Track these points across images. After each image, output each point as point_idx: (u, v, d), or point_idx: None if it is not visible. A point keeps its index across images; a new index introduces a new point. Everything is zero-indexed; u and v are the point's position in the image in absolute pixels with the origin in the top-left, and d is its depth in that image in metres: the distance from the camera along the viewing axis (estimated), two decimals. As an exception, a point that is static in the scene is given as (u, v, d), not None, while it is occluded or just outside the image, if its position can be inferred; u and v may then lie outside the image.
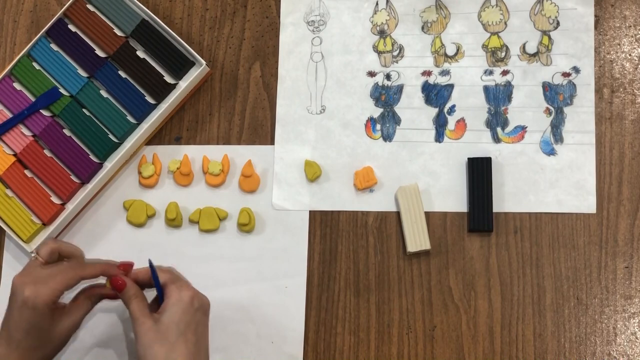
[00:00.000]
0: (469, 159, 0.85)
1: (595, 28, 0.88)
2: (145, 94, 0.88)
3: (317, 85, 0.90)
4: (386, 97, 0.89)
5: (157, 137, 0.91)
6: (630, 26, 0.88)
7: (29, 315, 0.73)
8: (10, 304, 0.74)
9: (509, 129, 0.86)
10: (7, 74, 0.90)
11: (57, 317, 0.76)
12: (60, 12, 0.90)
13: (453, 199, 0.86)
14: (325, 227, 0.87)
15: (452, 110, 0.88)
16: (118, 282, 0.77)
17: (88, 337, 0.86)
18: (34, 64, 0.90)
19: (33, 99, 0.89)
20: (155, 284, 0.77)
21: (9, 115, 0.89)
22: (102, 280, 0.79)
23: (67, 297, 0.78)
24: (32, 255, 0.79)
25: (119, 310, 0.86)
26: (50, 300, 0.73)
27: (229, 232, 0.88)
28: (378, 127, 0.88)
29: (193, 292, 0.75)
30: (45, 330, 0.75)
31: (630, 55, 0.87)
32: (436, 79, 0.88)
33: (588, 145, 0.85)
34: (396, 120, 0.88)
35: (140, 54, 0.89)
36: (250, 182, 0.88)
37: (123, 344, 0.86)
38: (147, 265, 0.78)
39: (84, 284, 0.79)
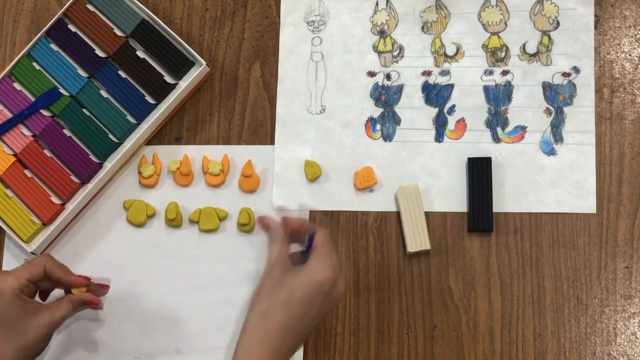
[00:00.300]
0: (469, 159, 0.85)
1: (595, 28, 0.88)
2: (145, 94, 0.88)
3: (317, 85, 0.90)
4: (386, 97, 0.89)
5: (157, 137, 0.91)
6: (630, 26, 0.88)
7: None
8: None
9: (509, 129, 0.86)
10: (7, 74, 0.90)
11: (31, 311, 0.76)
12: (60, 12, 0.90)
13: (453, 199, 0.86)
14: (325, 227, 0.86)
15: (452, 110, 0.88)
16: (264, 222, 0.76)
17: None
18: (34, 64, 0.90)
19: (33, 99, 0.89)
20: (307, 246, 0.75)
21: (9, 115, 0.89)
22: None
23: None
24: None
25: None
26: (15, 286, 0.74)
27: (229, 232, 0.88)
28: (378, 127, 0.88)
29: (329, 276, 0.70)
30: (15, 321, 0.75)
31: (630, 55, 0.87)
32: (436, 79, 0.88)
33: (588, 145, 0.85)
34: (396, 120, 0.88)
35: (140, 54, 0.89)
36: (250, 182, 0.88)
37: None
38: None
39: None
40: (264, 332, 0.70)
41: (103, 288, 0.85)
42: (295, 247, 0.77)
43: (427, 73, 0.89)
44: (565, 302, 0.82)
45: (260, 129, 0.90)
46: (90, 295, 0.81)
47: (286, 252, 0.74)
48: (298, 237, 0.76)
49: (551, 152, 0.86)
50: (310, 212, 0.87)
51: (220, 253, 0.87)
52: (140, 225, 0.88)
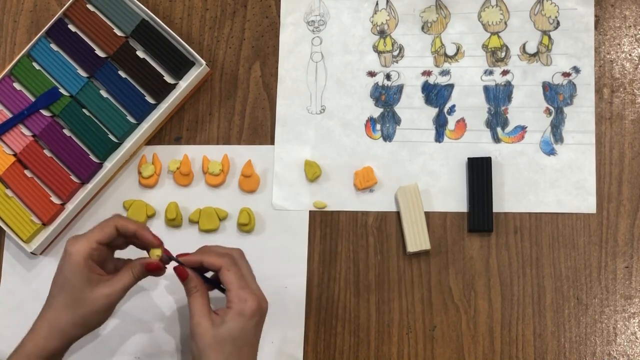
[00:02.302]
0: (469, 159, 0.85)
1: (595, 28, 0.88)
2: (145, 94, 0.88)
3: (317, 85, 0.90)
4: (386, 97, 0.89)
5: (157, 137, 0.91)
6: (630, 26, 0.88)
7: (65, 269, 0.72)
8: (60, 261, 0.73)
9: (509, 129, 0.86)
10: (7, 74, 0.90)
11: (94, 281, 0.72)
12: (60, 12, 0.90)
13: (453, 199, 0.86)
14: (325, 227, 0.87)
15: (452, 110, 0.88)
16: (180, 271, 0.74)
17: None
18: (34, 64, 0.90)
19: (33, 99, 0.89)
20: (215, 285, 0.75)
21: (9, 115, 0.89)
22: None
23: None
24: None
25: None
26: (84, 250, 0.71)
27: (229, 232, 0.88)
28: (378, 127, 0.88)
29: (256, 305, 0.71)
30: (79, 289, 0.72)
31: (630, 55, 0.87)
32: (436, 79, 0.88)
33: (588, 145, 0.85)
34: (396, 120, 0.88)
35: (140, 54, 0.89)
36: (250, 182, 0.88)
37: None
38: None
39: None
40: None
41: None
42: None
43: (427, 73, 0.89)
44: (565, 302, 0.82)
45: (260, 129, 0.90)
46: (151, 260, 0.75)
47: (207, 298, 0.73)
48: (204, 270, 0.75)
49: (551, 152, 0.86)
50: (310, 212, 0.87)
51: (220, 253, 0.87)
52: (140, 225, 0.88)
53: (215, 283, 0.77)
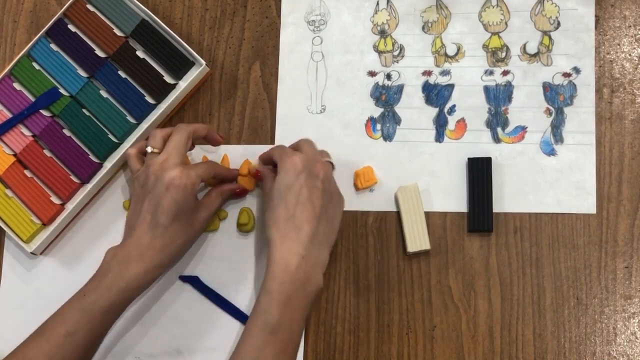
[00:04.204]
0: (469, 159, 0.85)
1: (595, 28, 0.88)
2: (145, 94, 0.88)
3: (317, 85, 0.90)
4: (386, 97, 0.89)
5: (157, 137, 0.91)
6: (630, 26, 0.88)
7: (178, 197, 0.76)
8: (153, 191, 0.77)
9: (509, 129, 0.86)
10: (7, 74, 0.90)
11: (197, 207, 0.81)
12: (60, 12, 0.90)
13: (453, 199, 0.86)
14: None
15: (452, 110, 0.88)
16: (257, 174, 0.85)
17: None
18: (34, 64, 0.90)
19: (33, 99, 0.89)
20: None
21: (9, 115, 0.89)
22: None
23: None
24: (149, 150, 0.81)
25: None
26: (196, 181, 0.78)
27: (229, 232, 0.88)
28: (378, 126, 0.88)
29: (294, 159, 0.77)
30: (189, 214, 0.79)
31: (630, 55, 0.87)
32: (436, 78, 0.88)
33: (588, 145, 0.85)
34: (396, 120, 0.88)
35: (140, 54, 0.89)
36: (246, 181, 0.88)
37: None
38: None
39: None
40: (275, 236, 0.74)
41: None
42: None
43: (427, 73, 0.89)
44: (565, 302, 0.82)
45: (260, 129, 0.90)
46: (238, 185, 0.86)
47: (273, 178, 0.80)
48: None
49: (551, 153, 0.86)
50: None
51: (220, 253, 0.87)
52: (140, 225, 0.88)
53: (214, 296, 0.85)
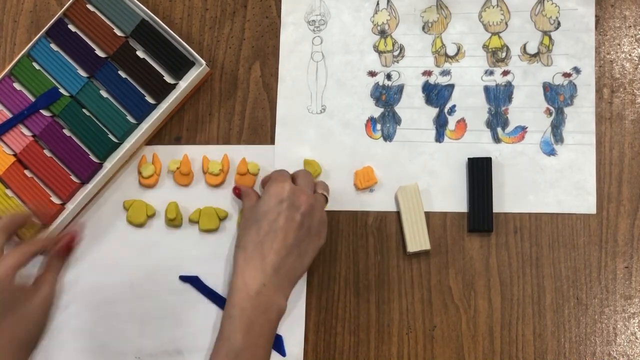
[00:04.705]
0: (469, 159, 0.85)
1: (596, 28, 0.88)
2: (145, 94, 0.88)
3: (317, 85, 0.90)
4: (386, 97, 0.89)
5: (157, 137, 0.91)
6: (630, 26, 0.88)
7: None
8: None
9: (509, 129, 0.86)
10: (7, 74, 0.90)
11: (29, 293, 0.72)
12: (60, 12, 0.90)
13: (453, 199, 0.86)
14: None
15: (452, 110, 0.88)
16: (236, 191, 0.85)
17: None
18: (34, 64, 0.90)
19: (33, 99, 0.89)
20: None
21: (9, 115, 0.89)
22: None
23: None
24: None
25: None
26: (10, 273, 0.69)
27: (229, 232, 0.88)
28: (378, 126, 0.88)
29: (281, 187, 0.77)
30: (20, 304, 0.70)
31: (630, 55, 0.87)
32: (437, 79, 0.88)
33: (588, 145, 0.85)
34: (396, 120, 0.88)
35: (140, 54, 0.89)
36: (245, 181, 0.88)
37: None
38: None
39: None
40: (241, 260, 0.75)
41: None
42: None
43: (427, 73, 0.89)
44: (565, 302, 0.82)
45: (260, 129, 0.90)
46: (62, 244, 0.76)
47: (252, 201, 0.81)
48: None
49: (551, 153, 0.86)
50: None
51: (220, 253, 0.87)
52: (140, 225, 0.88)
53: (214, 296, 0.84)
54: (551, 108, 0.86)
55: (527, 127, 0.86)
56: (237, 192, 0.85)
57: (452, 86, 0.88)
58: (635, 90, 0.86)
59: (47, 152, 0.88)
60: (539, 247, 0.84)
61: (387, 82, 0.89)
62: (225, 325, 0.73)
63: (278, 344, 0.83)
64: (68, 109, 0.88)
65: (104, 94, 0.88)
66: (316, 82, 0.90)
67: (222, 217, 0.87)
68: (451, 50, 0.89)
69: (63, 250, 0.77)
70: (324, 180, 0.85)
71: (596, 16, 0.88)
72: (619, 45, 0.87)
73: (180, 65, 0.88)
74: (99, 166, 0.87)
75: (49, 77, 0.89)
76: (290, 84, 0.90)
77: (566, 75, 0.87)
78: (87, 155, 0.87)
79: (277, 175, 0.80)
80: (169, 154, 0.90)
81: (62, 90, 0.89)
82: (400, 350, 0.83)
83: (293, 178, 0.81)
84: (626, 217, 0.83)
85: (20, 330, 0.71)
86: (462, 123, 0.87)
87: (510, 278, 0.83)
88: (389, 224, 0.86)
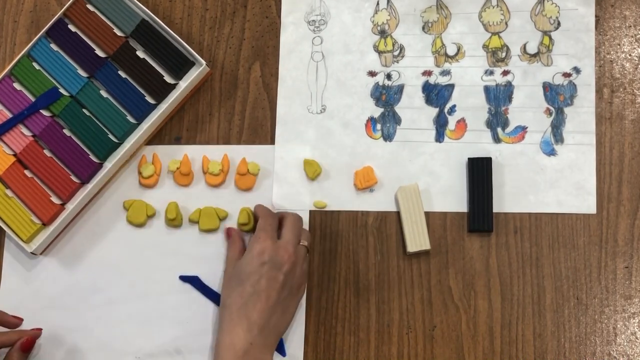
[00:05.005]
0: (469, 159, 0.85)
1: (596, 28, 0.88)
2: (145, 94, 0.88)
3: (317, 85, 0.90)
4: (387, 96, 0.89)
5: (157, 137, 0.91)
6: (630, 26, 0.88)
7: None
8: None
9: (509, 129, 0.86)
10: (7, 74, 0.90)
11: None
12: (60, 12, 0.90)
13: (453, 199, 0.86)
14: (325, 227, 0.87)
15: (452, 110, 0.88)
16: (228, 232, 0.86)
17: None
18: (34, 64, 0.90)
19: (33, 99, 0.89)
20: None
21: (9, 115, 0.89)
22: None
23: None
24: None
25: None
26: None
27: (229, 232, 0.88)
28: (378, 126, 0.88)
29: (264, 246, 0.78)
30: None
31: (630, 55, 0.87)
32: (437, 79, 0.88)
33: (588, 145, 0.85)
34: (396, 120, 0.88)
35: (140, 54, 0.89)
36: (245, 180, 0.88)
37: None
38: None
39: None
40: (227, 320, 0.76)
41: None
42: None
43: (427, 73, 0.89)
44: (565, 302, 0.82)
45: (260, 129, 0.90)
46: (24, 338, 0.81)
47: (235, 252, 0.82)
48: None
49: (551, 153, 0.86)
50: (310, 211, 0.87)
51: (220, 253, 0.87)
52: (140, 225, 0.88)
53: (214, 296, 0.85)
54: (551, 108, 0.86)
55: (527, 127, 0.86)
56: (229, 235, 0.85)
57: (452, 86, 0.88)
58: (635, 90, 0.86)
59: (47, 152, 0.88)
60: (539, 247, 0.84)
61: (387, 82, 0.89)
62: None
63: (278, 345, 0.83)
64: (68, 109, 0.88)
65: (104, 94, 0.88)
66: (316, 82, 0.90)
67: (222, 217, 0.87)
68: (451, 50, 0.89)
69: (25, 346, 0.81)
70: (322, 183, 0.86)
71: (596, 16, 0.88)
72: (619, 45, 0.87)
73: (180, 65, 0.88)
74: (99, 166, 0.87)
75: (49, 77, 0.89)
76: (290, 84, 0.90)
77: (566, 75, 0.87)
78: (87, 155, 0.87)
79: (263, 225, 0.80)
80: (169, 154, 0.90)
81: (62, 90, 0.89)
82: (400, 350, 0.83)
83: (280, 221, 0.82)
84: (626, 217, 0.83)
85: None
86: (462, 123, 0.87)
87: (510, 278, 0.83)
88: (389, 224, 0.86)
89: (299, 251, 0.80)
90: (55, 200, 0.87)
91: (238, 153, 0.89)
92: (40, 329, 0.85)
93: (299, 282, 0.80)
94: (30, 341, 0.81)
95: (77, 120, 0.88)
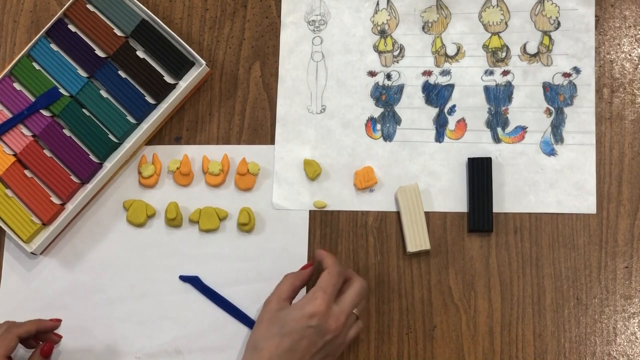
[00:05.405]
0: (469, 159, 0.85)
1: (596, 28, 0.88)
2: (145, 94, 0.88)
3: (317, 85, 0.90)
4: (386, 97, 0.89)
5: (157, 137, 0.91)
6: (630, 26, 0.88)
7: None
8: None
9: (509, 129, 0.86)
10: (7, 74, 0.90)
11: None
12: (60, 12, 0.90)
13: (453, 199, 0.86)
14: (325, 227, 0.87)
15: (452, 110, 0.88)
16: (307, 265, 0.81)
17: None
18: (34, 64, 0.90)
19: (33, 99, 0.89)
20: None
21: (9, 115, 0.89)
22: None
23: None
24: None
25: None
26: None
27: (229, 232, 0.88)
28: (378, 127, 0.88)
29: (317, 310, 0.73)
30: None
31: (630, 55, 0.87)
32: (437, 79, 0.88)
33: (588, 145, 0.85)
34: (396, 120, 0.88)
35: (140, 54, 0.89)
36: (245, 180, 0.88)
37: None
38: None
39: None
40: None
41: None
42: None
43: (427, 73, 0.89)
44: (565, 302, 0.82)
45: (260, 129, 0.90)
46: (41, 347, 0.81)
47: (287, 290, 0.77)
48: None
49: (551, 153, 0.86)
50: (310, 211, 0.87)
51: (220, 253, 0.87)
52: (140, 225, 0.88)
53: (214, 296, 0.84)
54: (551, 108, 0.86)
55: (527, 127, 0.86)
56: (308, 265, 0.81)
57: (452, 86, 0.88)
58: (635, 90, 0.86)
59: (47, 152, 0.88)
60: (539, 247, 0.84)
61: (387, 82, 0.89)
62: None
63: None
64: (68, 109, 0.88)
65: (104, 94, 0.88)
66: (316, 82, 0.90)
67: (222, 217, 0.87)
68: (451, 50, 0.89)
69: (45, 352, 0.81)
70: (322, 183, 0.85)
71: (596, 16, 0.88)
72: (619, 45, 0.87)
73: (180, 65, 0.88)
74: (99, 166, 0.87)
75: (49, 77, 0.89)
76: (290, 84, 0.90)
77: (566, 75, 0.87)
78: (87, 155, 0.87)
79: (325, 285, 0.75)
80: (169, 154, 0.90)
81: (62, 90, 0.89)
82: (400, 350, 0.83)
83: (347, 279, 0.78)
84: (626, 217, 0.83)
85: None
86: (462, 123, 0.87)
87: (510, 278, 0.83)
88: (389, 224, 0.86)
89: (348, 321, 0.76)
90: (55, 200, 0.87)
91: (238, 153, 0.89)
92: (59, 320, 0.86)
93: (337, 350, 0.77)
94: (50, 347, 0.81)
95: (77, 120, 0.88)
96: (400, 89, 0.89)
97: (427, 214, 0.85)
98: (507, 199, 0.85)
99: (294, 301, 0.77)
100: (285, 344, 0.73)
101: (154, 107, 0.88)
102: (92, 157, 0.87)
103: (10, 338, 0.78)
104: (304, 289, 0.82)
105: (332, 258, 0.78)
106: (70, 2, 0.90)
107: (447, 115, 0.87)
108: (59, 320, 0.86)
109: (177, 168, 0.89)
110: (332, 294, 0.75)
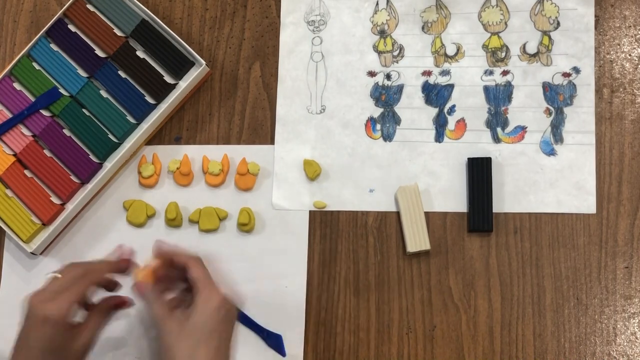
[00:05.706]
0: (469, 159, 0.85)
1: (595, 28, 0.88)
2: (145, 94, 0.88)
3: (317, 85, 0.90)
4: (386, 97, 0.89)
5: (157, 137, 0.91)
6: (630, 26, 0.88)
7: (45, 334, 0.69)
8: (25, 324, 0.71)
9: (509, 129, 0.86)
10: (7, 74, 0.90)
11: (74, 335, 0.72)
12: (60, 12, 0.90)
13: (453, 199, 0.86)
14: (325, 227, 0.87)
15: (452, 110, 0.88)
16: (139, 288, 0.76)
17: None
18: (34, 64, 0.90)
19: (33, 99, 0.89)
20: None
21: (9, 115, 0.89)
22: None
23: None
24: (48, 275, 0.74)
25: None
26: (64, 314, 0.70)
27: (229, 232, 0.88)
28: (378, 127, 0.88)
29: (221, 299, 0.72)
30: (62, 349, 0.71)
31: (630, 55, 0.87)
32: (436, 79, 0.88)
33: (588, 145, 0.85)
34: (396, 120, 0.88)
35: (140, 54, 0.89)
36: (245, 180, 0.88)
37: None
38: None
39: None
40: None
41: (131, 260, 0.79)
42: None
43: (427, 73, 0.89)
44: (565, 302, 0.82)
45: (260, 129, 0.90)
46: (117, 297, 0.78)
47: (164, 306, 0.73)
48: (173, 271, 0.76)
49: (551, 153, 0.86)
50: (310, 212, 0.87)
51: (220, 253, 0.87)
52: (140, 225, 0.88)
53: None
54: (551, 108, 0.87)
55: (526, 127, 0.86)
56: (141, 291, 0.75)
57: (451, 86, 0.88)
58: (635, 90, 0.86)
59: (47, 152, 0.88)
60: (539, 247, 0.84)
61: (386, 82, 0.89)
62: None
63: (278, 344, 0.83)
64: (68, 109, 0.88)
65: (104, 94, 0.89)
66: (316, 82, 0.90)
67: (222, 217, 0.87)
68: (451, 50, 0.89)
69: (113, 304, 0.78)
70: (322, 183, 0.85)
71: (596, 16, 0.88)
72: (619, 45, 0.87)
73: (180, 65, 0.88)
74: (99, 166, 0.88)
75: (49, 77, 0.89)
76: (290, 84, 0.90)
77: (566, 75, 0.87)
78: (87, 155, 0.87)
79: (204, 276, 0.74)
80: (169, 154, 0.90)
81: (62, 90, 0.89)
82: (400, 350, 0.83)
83: (181, 264, 0.75)
84: (626, 217, 0.83)
85: None
86: (461, 123, 0.87)
87: (510, 278, 0.83)
88: (389, 224, 0.86)
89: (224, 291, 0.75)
90: (55, 200, 0.87)
91: (238, 153, 0.89)
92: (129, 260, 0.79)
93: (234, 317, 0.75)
94: (124, 303, 0.78)
95: (77, 120, 0.88)
96: (400, 89, 0.89)
97: (427, 214, 0.85)
98: (507, 199, 0.85)
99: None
100: (214, 343, 0.70)
101: (154, 107, 0.88)
102: (92, 157, 0.88)
103: (84, 285, 0.73)
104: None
105: (179, 252, 0.76)
106: (70, 2, 0.90)
107: (447, 115, 0.87)
108: (130, 257, 0.79)
109: (177, 168, 0.89)
110: (211, 278, 0.74)
